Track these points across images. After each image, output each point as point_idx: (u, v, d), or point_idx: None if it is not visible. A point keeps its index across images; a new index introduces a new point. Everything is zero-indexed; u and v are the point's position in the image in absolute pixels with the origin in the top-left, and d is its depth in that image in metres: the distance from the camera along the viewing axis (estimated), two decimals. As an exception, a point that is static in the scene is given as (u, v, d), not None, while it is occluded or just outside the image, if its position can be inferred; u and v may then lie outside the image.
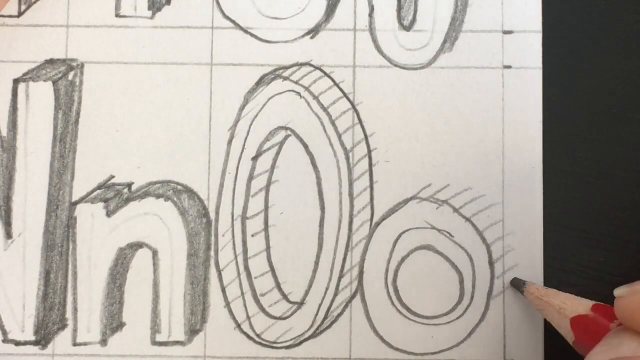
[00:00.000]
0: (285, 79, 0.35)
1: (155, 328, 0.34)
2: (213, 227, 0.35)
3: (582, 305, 0.30)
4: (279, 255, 0.35)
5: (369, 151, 0.35)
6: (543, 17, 0.36)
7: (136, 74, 0.35)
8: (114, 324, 0.34)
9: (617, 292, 0.26)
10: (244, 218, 0.35)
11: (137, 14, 0.36)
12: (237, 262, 0.34)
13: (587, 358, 0.26)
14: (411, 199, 0.35)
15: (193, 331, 0.34)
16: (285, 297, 0.34)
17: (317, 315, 0.34)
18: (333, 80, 0.35)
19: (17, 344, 0.34)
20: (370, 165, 0.35)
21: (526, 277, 0.34)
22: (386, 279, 0.34)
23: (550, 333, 0.33)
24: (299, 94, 0.35)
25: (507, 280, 0.34)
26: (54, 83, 0.35)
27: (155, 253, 0.35)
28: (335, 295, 0.34)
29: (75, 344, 0.34)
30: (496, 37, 0.35)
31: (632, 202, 0.35)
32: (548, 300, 0.31)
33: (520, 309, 0.34)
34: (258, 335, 0.34)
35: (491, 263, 0.34)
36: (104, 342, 0.34)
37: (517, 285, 0.33)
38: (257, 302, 0.34)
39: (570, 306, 0.31)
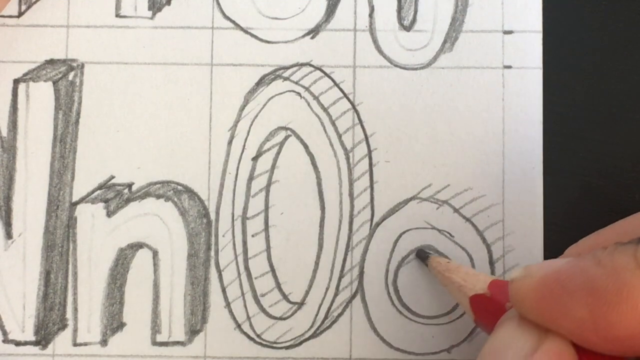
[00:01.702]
0: (285, 79, 0.35)
1: (155, 328, 0.34)
2: (213, 227, 0.35)
3: (480, 282, 0.29)
4: (279, 255, 0.35)
5: (369, 151, 0.35)
6: (543, 17, 0.36)
7: (136, 74, 0.35)
8: (114, 324, 0.34)
9: (511, 274, 0.25)
10: (244, 218, 0.35)
11: (137, 14, 0.36)
12: (237, 262, 0.34)
13: (478, 357, 0.25)
14: (411, 199, 0.35)
15: (193, 331, 0.34)
16: (285, 297, 0.34)
17: (317, 315, 0.34)
18: (333, 81, 0.35)
19: (17, 344, 0.34)
20: (370, 165, 0.35)
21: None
22: (386, 279, 0.34)
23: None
24: (299, 94, 0.35)
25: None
26: (54, 83, 0.35)
27: (155, 253, 0.35)
28: (335, 295, 0.34)
29: (75, 344, 0.34)
30: (496, 37, 0.35)
31: (632, 202, 0.35)
32: (449, 276, 0.30)
33: (520, 309, 0.34)
34: (258, 335, 0.34)
35: (491, 263, 0.34)
36: (104, 342, 0.34)
37: (422, 257, 0.33)
38: (257, 302, 0.34)
39: (469, 283, 0.29)
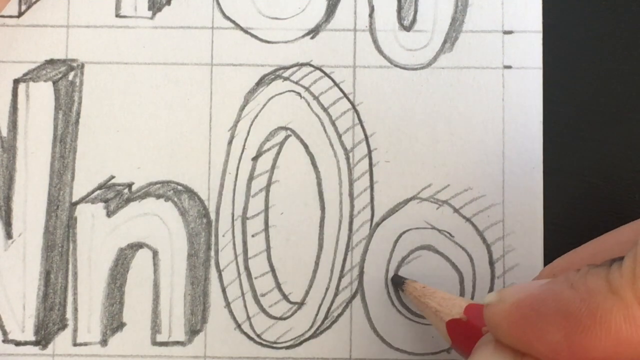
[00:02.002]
0: (285, 79, 0.35)
1: (155, 328, 0.34)
2: (213, 227, 0.35)
3: (456, 307, 0.29)
4: (279, 255, 0.35)
5: (369, 151, 0.35)
6: (543, 17, 0.36)
7: (136, 74, 0.35)
8: (114, 324, 0.34)
9: (486, 299, 0.25)
10: (244, 218, 0.35)
11: (137, 14, 0.36)
12: (237, 262, 0.34)
13: None
14: (411, 199, 0.35)
15: (193, 331, 0.34)
16: (285, 297, 0.34)
17: (317, 315, 0.34)
18: (333, 81, 0.35)
19: (17, 344, 0.34)
20: (370, 165, 0.35)
21: (526, 277, 0.34)
22: (386, 279, 0.34)
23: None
24: (299, 94, 0.35)
25: (508, 280, 0.34)
26: (54, 83, 0.35)
27: (155, 253, 0.35)
28: (335, 295, 0.34)
29: (75, 344, 0.34)
30: (496, 37, 0.35)
31: (632, 202, 0.35)
32: (425, 302, 0.30)
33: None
34: (258, 335, 0.34)
35: (491, 263, 0.34)
36: (104, 342, 0.34)
37: (397, 282, 0.33)
38: (257, 302, 0.34)
39: (445, 308, 0.29)
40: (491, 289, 0.34)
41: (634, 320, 0.21)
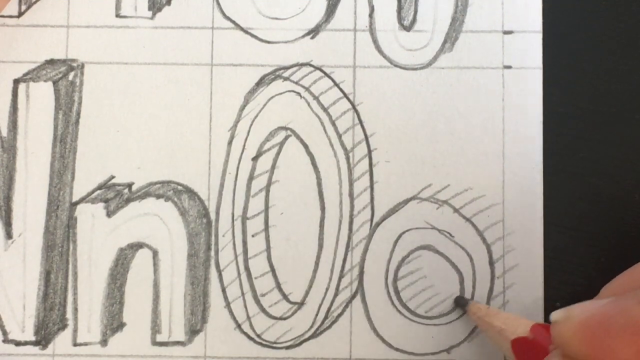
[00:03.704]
0: (285, 79, 0.35)
1: (155, 328, 0.34)
2: (213, 227, 0.35)
3: (521, 326, 0.30)
4: (279, 255, 0.35)
5: (369, 151, 0.35)
6: (543, 17, 0.36)
7: (136, 74, 0.35)
8: (114, 324, 0.34)
9: (553, 316, 0.26)
10: (244, 218, 0.35)
11: (137, 14, 0.36)
12: (237, 262, 0.34)
13: None
14: (411, 199, 0.35)
15: (193, 331, 0.34)
16: (285, 297, 0.34)
17: (317, 315, 0.34)
18: (333, 81, 0.35)
19: (17, 344, 0.34)
20: (370, 165, 0.35)
21: (526, 277, 0.34)
22: (386, 278, 0.34)
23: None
24: (299, 94, 0.35)
25: (508, 280, 0.34)
26: (54, 83, 0.35)
27: (155, 253, 0.35)
28: (335, 295, 0.34)
29: (75, 344, 0.34)
30: (496, 37, 0.35)
31: (632, 202, 0.35)
32: (489, 321, 0.31)
33: (520, 309, 0.34)
34: (258, 335, 0.34)
35: (491, 263, 0.34)
36: (104, 342, 0.34)
37: (460, 303, 0.33)
38: (257, 302, 0.34)
39: (510, 327, 0.30)
40: (491, 289, 0.34)
41: None
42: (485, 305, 0.33)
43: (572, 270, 0.34)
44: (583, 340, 0.24)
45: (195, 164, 0.35)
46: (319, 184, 0.35)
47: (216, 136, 0.35)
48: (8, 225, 0.35)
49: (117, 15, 0.36)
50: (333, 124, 0.35)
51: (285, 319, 0.34)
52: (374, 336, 0.34)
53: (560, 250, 0.34)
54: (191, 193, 0.35)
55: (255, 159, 0.35)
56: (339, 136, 0.35)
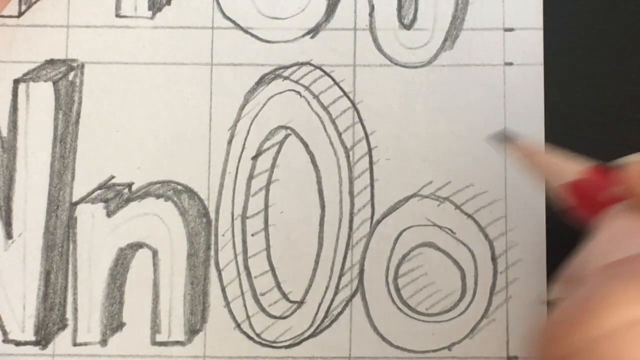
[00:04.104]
0: (285, 78, 0.35)
1: (155, 328, 0.34)
2: (213, 227, 0.35)
3: (575, 167, 0.28)
4: (279, 254, 0.34)
5: (369, 149, 0.35)
6: (544, 14, 0.35)
7: (136, 74, 0.35)
8: (113, 323, 0.34)
9: (628, 158, 0.24)
10: (244, 217, 0.35)
11: (137, 14, 0.36)
12: (236, 262, 0.34)
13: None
14: (412, 196, 0.34)
15: (193, 331, 0.34)
16: (285, 296, 0.34)
17: (317, 314, 0.34)
18: (333, 79, 0.35)
19: (17, 344, 0.34)
20: (371, 163, 0.35)
21: (529, 272, 0.33)
22: (386, 276, 0.34)
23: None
24: (298, 93, 0.35)
25: (510, 275, 0.34)
26: (54, 83, 0.35)
27: (155, 253, 0.34)
28: (335, 293, 0.34)
29: (75, 344, 0.34)
30: (497, 34, 0.35)
31: (636, 198, 0.34)
32: (543, 161, 0.29)
33: (523, 305, 0.33)
34: (258, 335, 0.34)
35: (493, 259, 0.34)
36: (103, 342, 0.34)
37: (507, 137, 0.31)
38: (257, 301, 0.34)
39: (566, 168, 0.29)
40: (494, 285, 0.34)
41: None
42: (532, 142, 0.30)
43: (576, 268, 0.34)
44: None
45: (195, 163, 0.35)
46: (319, 183, 0.35)
47: (216, 135, 0.35)
48: (8, 225, 0.35)
49: (117, 15, 0.36)
50: (333, 122, 0.35)
51: (285, 318, 0.34)
52: (374, 334, 0.34)
53: (564, 244, 0.34)
54: (191, 193, 0.35)
55: (255, 158, 0.35)
56: (339, 134, 0.35)
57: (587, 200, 0.28)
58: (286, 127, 0.35)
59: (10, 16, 0.36)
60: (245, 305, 0.34)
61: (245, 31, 0.36)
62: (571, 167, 0.28)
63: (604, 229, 0.24)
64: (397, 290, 0.34)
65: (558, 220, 0.34)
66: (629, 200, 0.25)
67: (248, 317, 0.34)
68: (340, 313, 0.34)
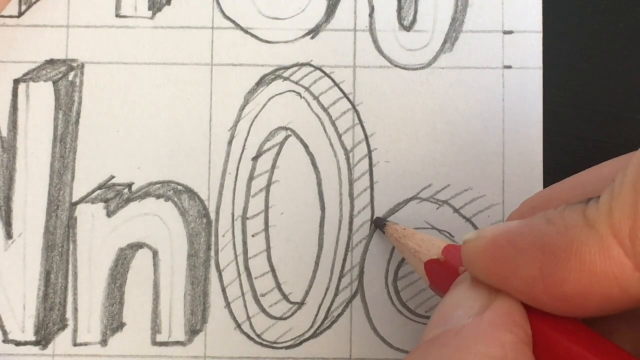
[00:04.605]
0: (285, 79, 0.35)
1: (155, 328, 0.34)
2: (213, 227, 0.35)
3: (434, 247, 0.29)
4: (279, 255, 0.35)
5: (369, 151, 0.35)
6: (543, 17, 0.36)
7: (136, 74, 0.35)
8: (114, 324, 0.34)
9: (465, 236, 0.25)
10: (244, 218, 0.35)
11: (137, 14, 0.36)
12: (237, 262, 0.34)
13: (430, 320, 0.25)
14: (411, 199, 0.35)
15: (193, 331, 0.34)
16: (285, 297, 0.34)
17: (317, 315, 0.34)
18: (333, 81, 0.35)
19: (17, 344, 0.34)
20: (370, 165, 0.35)
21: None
22: (386, 278, 0.34)
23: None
24: (299, 94, 0.35)
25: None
26: (54, 83, 0.35)
27: (155, 253, 0.35)
28: (335, 295, 0.34)
29: (75, 344, 0.34)
30: (496, 37, 0.35)
31: (632, 202, 0.34)
32: (405, 242, 0.31)
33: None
34: (258, 335, 0.34)
35: (491, 263, 0.34)
36: (104, 342, 0.34)
37: (379, 224, 0.33)
38: (257, 302, 0.34)
39: (424, 249, 0.29)
40: (491, 289, 0.34)
41: (608, 253, 0.21)
42: (401, 226, 0.32)
43: (572, 270, 0.34)
44: (489, 258, 0.24)
45: (195, 164, 0.35)
46: (319, 184, 0.35)
47: (216, 136, 0.35)
48: (8, 225, 0.35)
49: (117, 15, 0.36)
50: (333, 124, 0.35)
51: (285, 318, 0.34)
52: (374, 336, 0.34)
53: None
54: (191, 193, 0.35)
55: (255, 158, 0.35)
56: (339, 136, 0.35)
57: (438, 279, 0.29)
58: (286, 128, 0.35)
59: (10, 16, 0.35)
60: (245, 306, 0.34)
61: (246, 31, 0.36)
62: (435, 245, 0.29)
63: (444, 299, 0.25)
64: (397, 292, 0.34)
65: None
66: (465, 274, 0.26)
67: (248, 317, 0.34)
68: (340, 314, 0.34)
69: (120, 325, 0.34)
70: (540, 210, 0.24)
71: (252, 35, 0.36)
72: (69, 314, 0.34)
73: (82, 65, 0.35)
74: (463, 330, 0.23)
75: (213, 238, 0.35)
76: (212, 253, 0.35)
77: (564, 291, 0.22)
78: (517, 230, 0.23)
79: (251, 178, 0.35)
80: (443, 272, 0.28)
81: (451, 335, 0.23)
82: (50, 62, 0.35)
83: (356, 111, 0.35)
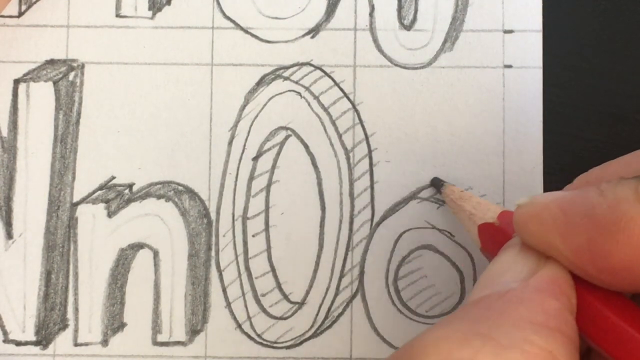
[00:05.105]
0: (286, 78, 0.35)
1: (156, 328, 0.34)
2: (214, 228, 0.35)
3: (490, 212, 0.30)
4: (280, 255, 0.35)
5: (369, 151, 0.35)
6: (543, 16, 0.35)
7: (136, 74, 0.35)
8: (114, 324, 0.34)
9: (518, 201, 0.25)
10: (245, 218, 0.35)
11: (137, 14, 0.36)
12: (237, 262, 0.35)
13: (477, 281, 0.25)
14: (411, 198, 0.35)
15: (194, 331, 0.34)
16: (285, 297, 0.34)
17: (317, 315, 0.34)
18: (333, 80, 0.35)
19: (18, 344, 0.34)
20: (371, 165, 0.35)
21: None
22: (387, 278, 0.34)
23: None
24: (299, 93, 0.35)
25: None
26: (55, 83, 0.35)
27: (156, 253, 0.35)
28: (336, 295, 0.34)
29: (76, 344, 0.34)
30: (496, 36, 0.35)
31: (633, 202, 0.35)
32: (461, 204, 0.31)
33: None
34: (259, 335, 0.34)
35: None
36: (104, 342, 0.34)
37: (436, 184, 0.33)
38: (258, 302, 0.34)
39: (479, 212, 0.30)
40: (491, 289, 0.34)
41: None
42: (459, 188, 0.32)
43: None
44: (540, 224, 0.24)
45: (195, 164, 0.35)
46: (319, 184, 0.35)
47: (216, 136, 0.35)
48: (8, 225, 0.35)
49: (117, 15, 0.36)
50: (333, 123, 0.35)
51: (285, 318, 0.34)
52: (374, 336, 0.34)
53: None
54: (192, 193, 0.35)
55: (255, 159, 0.35)
56: (339, 136, 0.35)
57: (490, 243, 0.29)
58: (287, 128, 0.35)
59: (10, 16, 0.35)
60: (246, 306, 0.34)
61: (246, 31, 0.36)
62: (491, 210, 0.30)
63: (492, 262, 0.25)
64: (397, 292, 0.34)
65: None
66: (516, 238, 0.26)
67: (249, 317, 0.34)
68: (340, 314, 0.34)
69: (121, 326, 0.34)
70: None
71: (252, 35, 0.36)
72: (69, 314, 0.34)
73: (83, 66, 0.35)
74: (508, 293, 0.23)
75: (213, 238, 0.35)
76: (213, 253, 0.35)
77: (610, 264, 0.22)
78: (570, 199, 0.24)
79: (251, 178, 0.35)
80: (496, 237, 0.29)
81: (495, 298, 0.23)
82: (51, 62, 0.35)
83: (356, 111, 0.35)
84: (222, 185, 0.35)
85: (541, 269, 0.24)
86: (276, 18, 0.36)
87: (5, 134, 0.35)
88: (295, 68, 0.35)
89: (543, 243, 0.24)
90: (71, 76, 0.35)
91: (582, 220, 0.23)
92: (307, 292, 0.34)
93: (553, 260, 0.24)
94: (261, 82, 0.35)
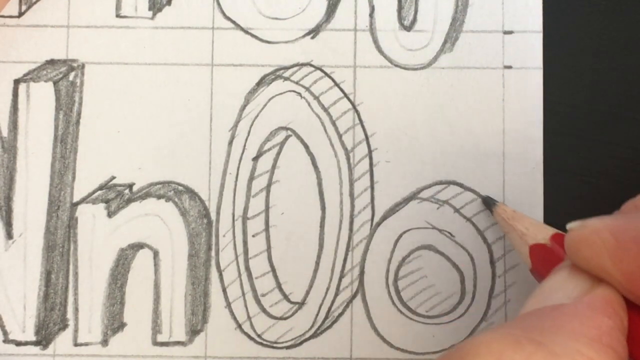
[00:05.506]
0: (286, 79, 0.35)
1: (156, 328, 0.34)
2: (214, 228, 0.35)
3: (542, 233, 0.30)
4: (280, 255, 0.35)
5: (370, 151, 0.35)
6: (543, 17, 0.36)
7: (137, 75, 0.35)
8: (114, 324, 0.34)
9: (570, 225, 0.26)
10: (245, 218, 0.35)
11: (137, 14, 0.36)
12: (237, 263, 0.35)
13: (527, 300, 0.25)
14: (412, 199, 0.35)
15: (194, 331, 0.34)
16: (285, 297, 0.34)
17: (317, 315, 0.34)
18: (333, 81, 0.35)
19: (18, 344, 0.34)
20: (371, 165, 0.35)
21: (527, 276, 0.34)
22: (387, 278, 0.34)
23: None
24: (299, 94, 0.35)
25: (509, 279, 0.34)
26: (55, 83, 0.35)
27: (156, 253, 0.35)
28: (336, 295, 0.34)
29: (76, 344, 0.34)
30: (496, 37, 0.35)
31: (632, 202, 0.35)
32: (513, 224, 0.31)
33: (521, 307, 0.34)
34: (259, 335, 0.34)
35: (492, 262, 0.34)
36: (104, 342, 0.34)
37: (488, 204, 0.34)
38: (258, 302, 0.34)
39: (531, 232, 0.30)
40: (492, 288, 0.34)
41: None
42: (511, 208, 0.32)
43: (573, 270, 0.34)
44: (592, 247, 0.24)
45: (195, 164, 0.35)
46: (320, 184, 0.35)
47: (217, 136, 0.35)
48: (9, 225, 0.35)
49: (118, 16, 0.36)
50: (333, 124, 0.35)
51: (285, 318, 0.34)
52: (374, 336, 0.34)
53: (561, 250, 0.34)
54: (192, 193, 0.35)
55: (255, 159, 0.35)
56: (340, 136, 0.35)
57: (541, 264, 0.29)
58: (287, 129, 0.35)
59: (10, 16, 0.35)
60: (246, 306, 0.34)
61: (246, 32, 0.36)
62: (543, 231, 0.30)
63: (544, 281, 0.26)
64: (398, 292, 0.34)
65: (555, 226, 0.34)
66: (568, 261, 0.26)
67: (249, 317, 0.34)
68: (341, 314, 0.34)
69: (121, 326, 0.34)
70: None
71: (253, 36, 0.36)
72: (69, 314, 0.34)
73: (83, 66, 0.35)
74: (562, 307, 0.23)
75: (214, 238, 0.35)
76: (213, 253, 0.35)
77: None
78: (621, 224, 0.24)
79: (252, 178, 0.35)
80: (547, 258, 0.29)
81: (549, 310, 0.23)
82: (51, 62, 0.35)
83: (356, 111, 0.35)
84: (222, 186, 0.35)
85: (595, 289, 0.24)
86: (276, 18, 0.36)
87: (5, 134, 0.35)
88: (295, 68, 0.35)
89: (595, 267, 0.24)
90: (71, 76, 0.35)
91: (633, 247, 0.23)
92: (307, 292, 0.34)
93: (606, 283, 0.24)
94: (261, 82, 0.35)
